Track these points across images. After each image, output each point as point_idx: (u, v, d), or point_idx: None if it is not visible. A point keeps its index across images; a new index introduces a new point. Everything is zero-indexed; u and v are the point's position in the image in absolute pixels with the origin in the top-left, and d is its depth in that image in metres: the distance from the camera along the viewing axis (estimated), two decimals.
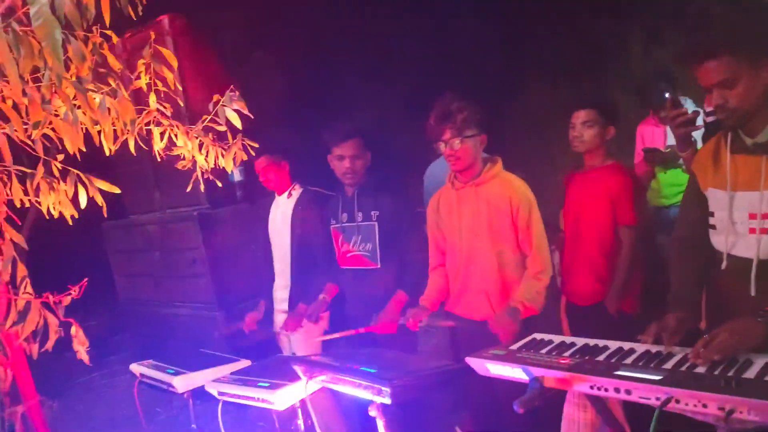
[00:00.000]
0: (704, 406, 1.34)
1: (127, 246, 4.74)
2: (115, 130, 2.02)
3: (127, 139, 2.05)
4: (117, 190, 2.01)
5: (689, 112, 2.08)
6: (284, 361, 2.38)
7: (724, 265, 1.77)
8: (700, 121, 2.13)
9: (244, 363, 2.79)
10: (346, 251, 2.98)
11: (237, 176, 3.96)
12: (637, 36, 5.94)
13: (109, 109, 1.95)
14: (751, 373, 1.41)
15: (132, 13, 2.23)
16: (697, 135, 2.31)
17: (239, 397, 2.34)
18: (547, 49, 5.76)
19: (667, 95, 2.09)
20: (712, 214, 1.81)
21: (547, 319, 3.03)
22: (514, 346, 1.91)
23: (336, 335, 2.86)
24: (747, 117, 1.65)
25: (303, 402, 2.49)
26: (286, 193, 3.22)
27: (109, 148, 2.00)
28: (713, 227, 1.81)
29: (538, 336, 1.97)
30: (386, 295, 2.84)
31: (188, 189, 2.20)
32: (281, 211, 3.23)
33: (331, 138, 2.86)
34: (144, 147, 2.13)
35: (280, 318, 3.19)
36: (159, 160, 2.19)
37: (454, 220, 2.56)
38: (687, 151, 2.12)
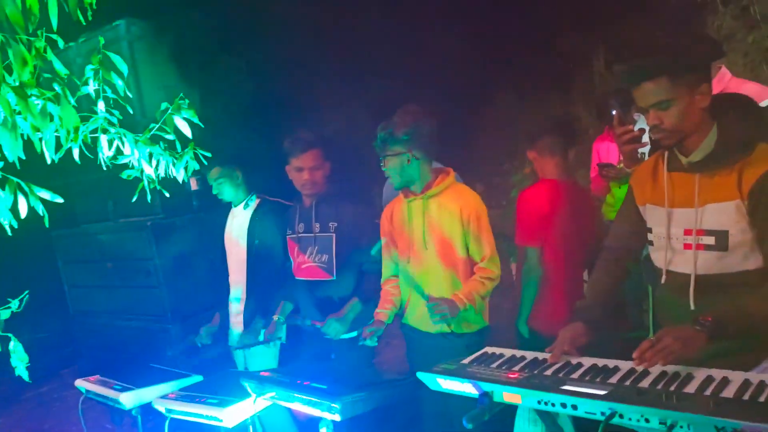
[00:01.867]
0: (647, 420, 1.36)
1: (78, 256, 4.58)
2: (58, 138, 1.95)
3: (71, 147, 1.98)
4: (60, 200, 1.93)
5: (636, 129, 2.13)
6: (236, 376, 2.33)
7: (663, 280, 1.81)
8: (646, 139, 2.18)
9: (196, 378, 2.72)
10: (302, 262, 2.94)
11: (194, 185, 3.88)
12: (598, 54, 6.11)
13: (51, 115, 1.89)
14: (691, 388, 1.43)
15: (82, 18, 2.17)
16: (647, 150, 2.36)
17: (187, 414, 2.27)
18: (513, 64, 5.85)
19: (614, 112, 2.13)
20: (650, 230, 1.85)
21: (506, 332, 3.06)
22: (466, 360, 1.90)
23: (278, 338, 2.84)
24: (681, 138, 1.70)
25: (258, 418, 2.44)
26: (243, 203, 3.17)
27: (51, 156, 1.93)
28: (651, 243, 1.85)
29: (489, 350, 1.97)
30: (340, 303, 2.82)
31: (133, 200, 2.13)
32: (237, 221, 3.17)
33: (290, 149, 2.83)
34: (89, 155, 2.06)
35: (235, 331, 3.13)
36: (105, 169, 2.12)
37: (407, 232, 2.56)
38: (633, 167, 2.17)
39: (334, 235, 2.86)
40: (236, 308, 3.13)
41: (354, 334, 2.78)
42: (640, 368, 1.57)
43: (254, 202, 3.17)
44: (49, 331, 5.54)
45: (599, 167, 3.62)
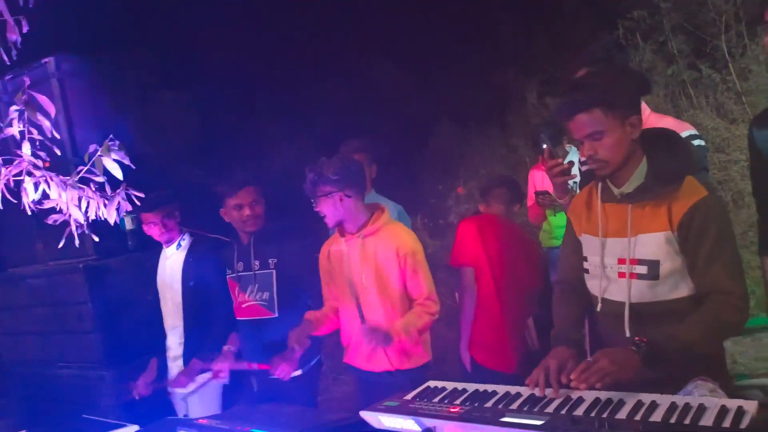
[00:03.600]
0: None
1: (7, 301, 4.32)
2: None
3: None
4: None
5: (566, 161, 2.22)
6: (174, 425, 2.23)
7: (599, 308, 1.87)
8: (575, 171, 2.28)
9: (132, 429, 2.59)
10: (242, 301, 2.89)
11: (129, 224, 3.74)
12: (531, 87, 6.38)
13: None
14: (622, 414, 1.48)
15: (5, 56, 2.11)
16: (577, 181, 2.47)
17: None
18: (453, 98, 6.03)
19: (544, 146, 2.21)
20: (585, 259, 1.92)
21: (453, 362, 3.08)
22: (409, 396, 1.90)
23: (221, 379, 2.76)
24: (614, 168, 1.78)
25: None
26: (175, 244, 3.08)
27: None
28: (587, 271, 1.91)
29: (432, 383, 1.97)
30: (284, 343, 2.76)
31: (60, 245, 2.05)
32: (170, 263, 3.08)
33: (226, 189, 2.80)
34: (12, 200, 1.97)
35: (174, 373, 3.01)
36: (30, 213, 2.03)
37: (345, 271, 2.56)
38: (564, 198, 2.26)
39: (274, 271, 2.83)
40: (174, 353, 3.03)
41: (298, 372, 2.74)
42: (575, 394, 1.61)
43: (187, 242, 3.09)
44: None
45: (536, 195, 3.75)
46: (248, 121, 4.99)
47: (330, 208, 2.46)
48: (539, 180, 3.96)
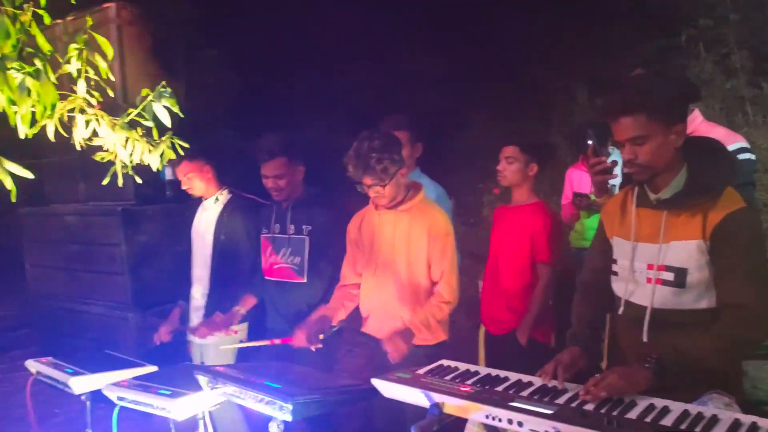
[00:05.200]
0: None
1: (43, 236, 4.50)
2: (34, 114, 1.93)
3: (46, 124, 1.96)
4: (30, 175, 1.91)
5: (608, 161, 2.19)
6: (191, 369, 2.30)
7: (621, 311, 1.86)
8: (617, 171, 2.24)
9: (151, 368, 2.68)
10: (274, 262, 2.94)
11: (168, 174, 3.84)
12: (581, 87, 6.26)
13: (30, 90, 1.87)
14: (633, 414, 1.47)
15: None
16: (617, 183, 2.43)
17: (137, 403, 2.24)
18: (498, 91, 5.96)
19: (589, 142, 2.18)
20: (615, 261, 1.90)
21: (466, 347, 3.09)
22: (421, 371, 1.92)
23: (248, 344, 2.80)
24: (653, 174, 1.76)
25: (209, 413, 2.42)
26: (213, 198, 3.15)
27: (25, 131, 1.91)
28: (615, 273, 1.90)
29: (445, 362, 2.00)
30: (309, 310, 2.81)
31: (104, 182, 2.12)
32: (206, 215, 3.15)
33: (257, 156, 2.84)
34: (65, 134, 2.04)
35: (195, 323, 3.10)
36: (79, 149, 2.10)
37: (374, 243, 2.58)
38: (602, 197, 2.23)
39: (308, 238, 2.87)
40: (197, 303, 3.11)
41: (334, 329, 2.77)
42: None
43: (224, 197, 3.15)
44: (5, 310, 5.41)
45: (574, 196, 3.71)
46: (288, 88, 5.02)
47: (392, 190, 2.44)
48: (576, 180, 3.90)
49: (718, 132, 2.11)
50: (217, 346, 2.99)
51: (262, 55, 5.25)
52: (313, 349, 2.56)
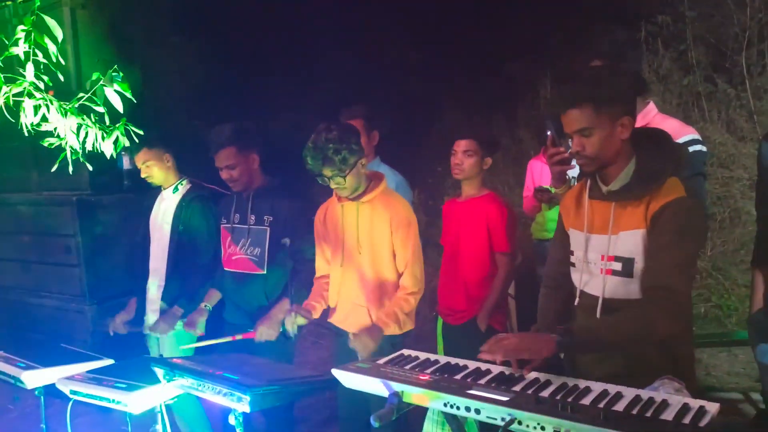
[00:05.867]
0: (542, 428, 1.41)
1: None
2: None
3: None
4: None
5: (567, 152, 2.21)
6: (148, 362, 2.26)
7: (576, 301, 1.90)
8: (576, 162, 2.27)
9: (107, 361, 2.62)
10: (233, 253, 2.89)
11: (126, 164, 3.74)
12: (545, 80, 6.33)
13: None
14: (587, 400, 1.50)
15: None
16: (576, 174, 2.46)
17: (92, 396, 2.18)
18: (462, 81, 5.98)
19: (548, 133, 2.21)
20: (572, 253, 1.93)
21: (432, 336, 3.11)
22: (381, 361, 1.92)
23: (210, 342, 2.75)
24: (600, 166, 1.79)
25: (167, 406, 2.38)
26: (172, 188, 3.08)
27: None
28: (573, 265, 1.93)
29: (406, 352, 1.99)
30: (269, 303, 2.78)
31: (53, 169, 2.04)
32: (164, 206, 3.07)
33: (209, 148, 2.78)
34: (10, 119, 1.96)
35: (151, 317, 3.03)
36: (27, 135, 2.02)
37: (339, 235, 2.57)
38: (561, 188, 2.26)
39: (269, 228, 2.83)
40: (153, 295, 3.03)
41: (304, 321, 2.74)
42: (543, 376, 1.64)
43: (184, 187, 3.08)
44: None
45: (535, 190, 3.76)
46: (253, 77, 4.94)
47: (352, 181, 2.42)
48: (537, 171, 3.95)
49: (670, 124, 2.15)
50: (175, 338, 2.93)
51: (228, 45, 5.14)
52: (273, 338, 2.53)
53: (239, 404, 1.79)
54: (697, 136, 2.13)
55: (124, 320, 3.03)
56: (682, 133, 2.10)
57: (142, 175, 3.03)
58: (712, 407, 1.39)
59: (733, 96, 5.84)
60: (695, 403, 1.42)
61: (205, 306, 2.88)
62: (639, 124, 2.13)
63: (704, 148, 2.13)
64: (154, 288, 3.04)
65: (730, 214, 5.31)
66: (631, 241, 1.75)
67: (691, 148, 2.07)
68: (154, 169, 3.00)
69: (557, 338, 1.64)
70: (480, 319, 2.78)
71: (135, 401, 2.09)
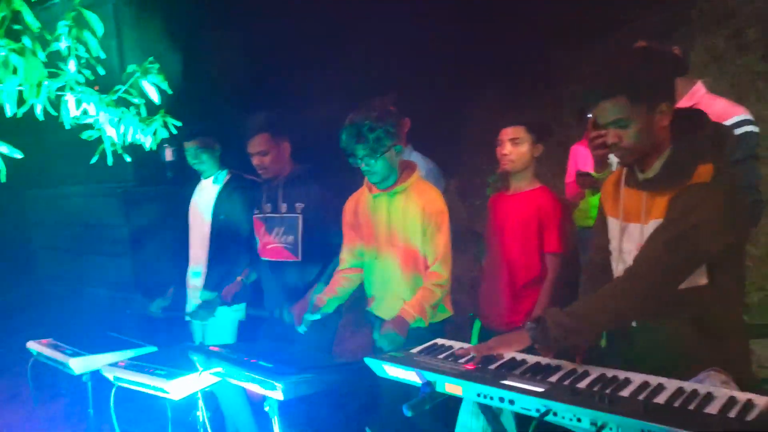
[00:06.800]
0: (578, 420, 1.36)
1: (49, 218, 4.52)
2: (22, 92, 1.91)
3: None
4: (20, 154, 1.89)
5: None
6: (188, 349, 2.31)
7: None
8: None
9: (150, 349, 2.70)
10: (267, 242, 2.92)
11: (168, 156, 3.83)
12: (586, 62, 6.12)
13: (15, 67, 1.85)
14: (626, 392, 1.44)
15: None
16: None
17: (134, 383, 2.25)
18: (499, 67, 5.84)
19: (589, 115, 2.13)
20: (609, 241, 1.86)
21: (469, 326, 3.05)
22: (415, 350, 1.91)
23: None
24: (640, 156, 1.69)
25: (208, 393, 2.43)
26: (213, 177, 3.13)
27: (12, 110, 1.88)
28: (611, 253, 1.86)
29: (440, 341, 1.97)
30: (305, 288, 2.80)
31: (92, 161, 2.09)
32: (205, 195, 3.13)
33: (244, 134, 2.81)
34: (53, 113, 2.02)
35: (192, 304, 3.10)
36: (68, 128, 2.08)
37: (371, 226, 2.55)
38: (602, 173, 2.18)
39: (301, 216, 2.84)
40: (195, 282, 3.10)
41: (317, 316, 2.76)
42: (581, 368, 1.59)
43: (224, 177, 3.14)
44: (13, 292, 5.45)
45: (576, 175, 3.64)
46: (288, 67, 4.96)
47: (386, 165, 2.39)
48: (581, 156, 3.83)
49: (719, 104, 2.04)
50: (218, 326, 3.00)
51: (265, 37, 5.18)
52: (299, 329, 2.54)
53: (273, 392, 1.80)
54: (747, 116, 2.01)
55: (161, 306, 3.10)
56: (731, 113, 1.98)
57: (192, 161, 3.09)
58: (761, 400, 1.32)
59: None
60: (742, 396, 1.35)
61: (243, 279, 2.94)
62: (685, 104, 2.03)
63: (755, 129, 2.01)
64: (195, 275, 3.10)
65: None
66: None
67: (739, 130, 1.96)
68: (204, 156, 3.05)
69: (529, 331, 1.67)
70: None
71: (174, 388, 2.14)
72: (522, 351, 1.77)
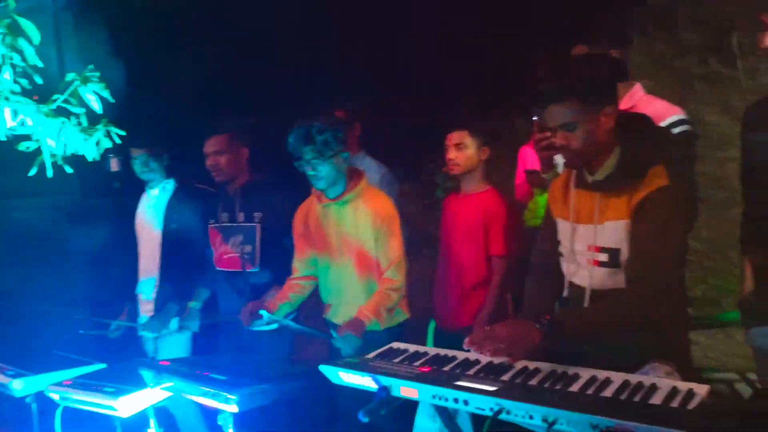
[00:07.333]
0: (531, 417, 1.39)
1: None
2: None
3: None
4: None
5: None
6: (138, 365, 2.24)
7: (565, 293, 1.87)
8: None
9: (98, 366, 2.61)
10: (224, 252, 2.87)
11: (114, 166, 3.71)
12: (533, 65, 6.26)
13: None
14: (575, 387, 1.47)
15: None
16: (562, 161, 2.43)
17: (81, 402, 2.17)
18: (454, 71, 5.91)
19: (535, 118, 2.18)
20: (560, 243, 1.90)
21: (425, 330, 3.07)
22: (371, 355, 1.90)
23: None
24: (586, 159, 1.75)
25: (161, 408, 2.36)
26: (160, 187, 3.06)
27: None
28: (561, 255, 1.90)
29: (395, 345, 1.97)
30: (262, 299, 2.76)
31: (30, 173, 2.02)
32: (152, 205, 3.06)
33: (193, 142, 2.77)
34: None
35: (144, 318, 3.01)
36: (5, 139, 2.00)
37: (323, 235, 2.54)
38: (548, 173, 2.23)
39: (259, 225, 2.81)
40: (147, 296, 3.02)
41: (274, 326, 2.72)
42: (532, 365, 1.62)
43: (172, 187, 3.06)
44: None
45: (526, 173, 3.71)
46: (243, 75, 4.90)
47: (333, 169, 2.38)
48: (530, 157, 3.91)
49: (656, 105, 2.12)
50: (171, 340, 2.93)
51: (216, 44, 5.10)
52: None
53: (227, 405, 1.77)
54: (683, 116, 2.10)
55: (119, 326, 3.01)
56: (668, 114, 2.07)
57: (139, 170, 3.00)
58: (702, 389, 1.37)
59: (726, 76, 5.79)
60: (684, 386, 1.40)
61: (193, 304, 2.88)
62: (624, 106, 2.10)
63: (690, 128, 2.10)
64: (146, 288, 3.02)
65: (726, 195, 5.28)
66: (616, 232, 1.72)
67: (676, 129, 2.04)
68: (152, 163, 2.98)
69: (542, 327, 1.60)
70: (476, 328, 2.59)
71: (123, 405, 2.08)
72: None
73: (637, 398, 1.37)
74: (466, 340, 1.60)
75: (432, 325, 2.90)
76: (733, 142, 5.33)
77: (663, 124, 1.98)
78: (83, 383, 2.25)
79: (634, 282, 1.67)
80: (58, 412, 2.26)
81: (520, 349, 1.56)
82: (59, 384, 2.29)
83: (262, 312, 2.41)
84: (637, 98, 2.18)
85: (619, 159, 1.74)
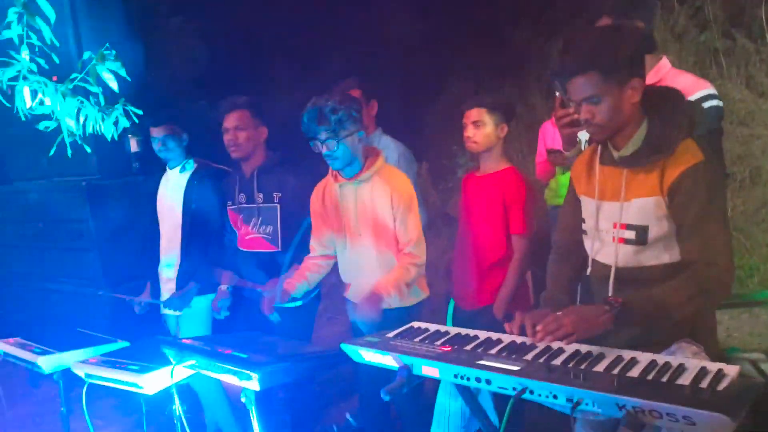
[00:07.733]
0: (555, 396, 1.38)
1: (7, 214, 4.36)
2: None
3: None
4: None
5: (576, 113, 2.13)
6: (160, 343, 2.26)
7: (589, 270, 1.84)
8: None
9: (122, 344, 2.64)
10: (245, 233, 2.87)
11: (134, 147, 3.72)
12: (553, 40, 6.15)
13: None
14: (600, 367, 1.46)
15: None
16: (585, 138, 2.38)
17: (106, 379, 2.20)
18: (469, 49, 5.83)
19: (557, 94, 2.13)
20: (583, 221, 1.87)
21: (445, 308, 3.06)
22: (391, 334, 1.90)
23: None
24: (611, 133, 1.70)
25: (185, 386, 2.39)
26: (179, 167, 3.06)
27: None
28: (585, 233, 1.87)
29: (416, 324, 1.97)
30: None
31: (50, 153, 2.02)
32: (172, 185, 3.06)
33: (219, 110, 2.75)
34: (7, 105, 1.94)
35: (166, 297, 3.04)
36: (24, 119, 2.00)
37: (340, 215, 2.52)
38: (571, 151, 2.19)
39: (279, 206, 2.80)
40: (168, 274, 3.04)
41: (298, 303, 2.73)
42: (555, 345, 1.60)
43: (192, 167, 3.07)
44: None
45: (548, 152, 3.65)
46: (256, 56, 4.87)
47: (348, 150, 2.35)
48: (550, 135, 3.85)
49: (684, 79, 2.06)
50: (193, 317, 2.95)
51: (229, 26, 5.07)
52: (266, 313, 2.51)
53: (249, 382, 1.78)
54: (712, 90, 2.03)
55: (141, 304, 3.04)
56: (696, 88, 2.00)
57: (158, 149, 3.01)
58: (732, 370, 1.35)
59: (752, 51, 5.63)
60: (713, 367, 1.37)
61: (223, 288, 2.89)
62: (651, 80, 2.04)
63: (720, 103, 2.04)
64: (169, 268, 3.04)
65: (750, 173, 5.16)
66: (644, 209, 1.68)
67: (705, 104, 1.98)
68: (171, 143, 2.98)
69: (612, 311, 1.54)
70: (496, 308, 2.59)
71: (148, 383, 2.10)
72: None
73: (664, 378, 1.35)
74: (538, 327, 1.56)
75: (451, 305, 2.89)
76: (759, 119, 5.22)
77: (692, 98, 1.92)
78: (108, 361, 2.28)
79: (701, 264, 1.60)
80: (85, 389, 2.29)
81: (590, 334, 1.53)
82: (85, 361, 2.32)
83: (277, 304, 2.43)
84: (664, 72, 2.12)
85: (647, 133, 1.70)
